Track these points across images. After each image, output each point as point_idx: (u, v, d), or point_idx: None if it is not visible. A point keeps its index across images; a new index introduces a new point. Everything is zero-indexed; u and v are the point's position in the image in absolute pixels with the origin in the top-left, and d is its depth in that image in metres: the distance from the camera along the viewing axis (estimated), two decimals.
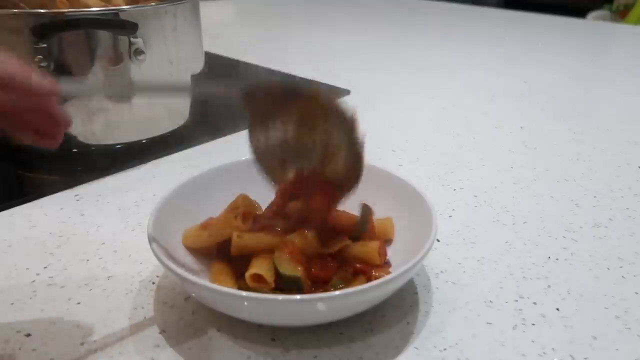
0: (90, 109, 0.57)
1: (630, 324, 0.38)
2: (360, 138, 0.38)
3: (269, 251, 0.39)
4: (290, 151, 0.40)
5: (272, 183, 0.42)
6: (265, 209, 0.44)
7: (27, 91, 0.31)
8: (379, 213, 0.45)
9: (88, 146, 0.59)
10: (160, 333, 0.37)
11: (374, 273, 0.39)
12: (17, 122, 0.34)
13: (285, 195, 0.42)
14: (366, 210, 0.42)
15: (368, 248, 0.40)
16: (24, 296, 0.40)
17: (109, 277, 0.43)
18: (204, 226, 0.42)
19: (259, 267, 0.38)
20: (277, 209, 0.42)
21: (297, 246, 0.39)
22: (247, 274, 0.38)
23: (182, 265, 0.37)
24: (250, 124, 0.40)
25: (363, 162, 0.39)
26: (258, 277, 0.38)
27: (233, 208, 0.43)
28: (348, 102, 0.37)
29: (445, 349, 0.36)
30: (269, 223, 0.41)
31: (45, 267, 0.44)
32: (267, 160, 0.41)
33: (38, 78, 0.31)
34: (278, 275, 0.38)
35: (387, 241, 0.44)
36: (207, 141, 0.67)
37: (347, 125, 0.38)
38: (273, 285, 0.38)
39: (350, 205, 0.46)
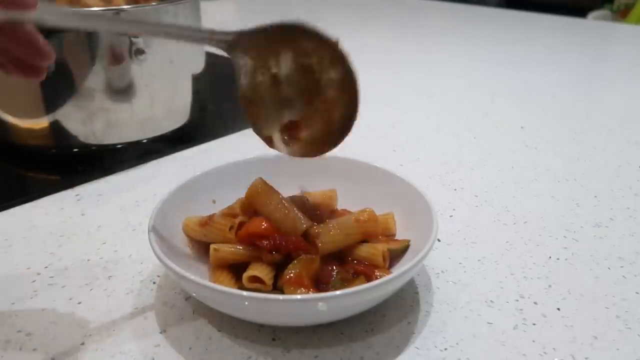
0: (90, 108, 0.57)
1: (631, 324, 0.38)
2: (352, 68, 0.36)
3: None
4: (279, 95, 0.37)
5: (261, 137, 0.39)
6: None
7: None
8: (380, 213, 0.45)
9: (88, 146, 0.59)
10: (160, 333, 0.37)
11: (374, 273, 0.39)
12: None
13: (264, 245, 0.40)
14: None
15: (374, 250, 0.40)
16: (24, 296, 0.40)
17: (110, 276, 0.43)
18: (203, 223, 0.42)
19: (256, 269, 0.38)
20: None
21: (302, 275, 0.37)
22: (245, 276, 0.38)
23: (183, 265, 0.36)
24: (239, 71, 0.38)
25: (358, 96, 0.38)
26: (255, 278, 0.38)
27: (231, 214, 0.42)
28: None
29: (446, 349, 0.36)
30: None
31: (46, 267, 0.44)
32: (256, 109, 0.38)
33: None
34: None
35: (389, 236, 0.44)
36: (207, 141, 0.67)
37: (337, 55, 0.36)
38: (271, 286, 0.38)
39: (350, 206, 0.47)
